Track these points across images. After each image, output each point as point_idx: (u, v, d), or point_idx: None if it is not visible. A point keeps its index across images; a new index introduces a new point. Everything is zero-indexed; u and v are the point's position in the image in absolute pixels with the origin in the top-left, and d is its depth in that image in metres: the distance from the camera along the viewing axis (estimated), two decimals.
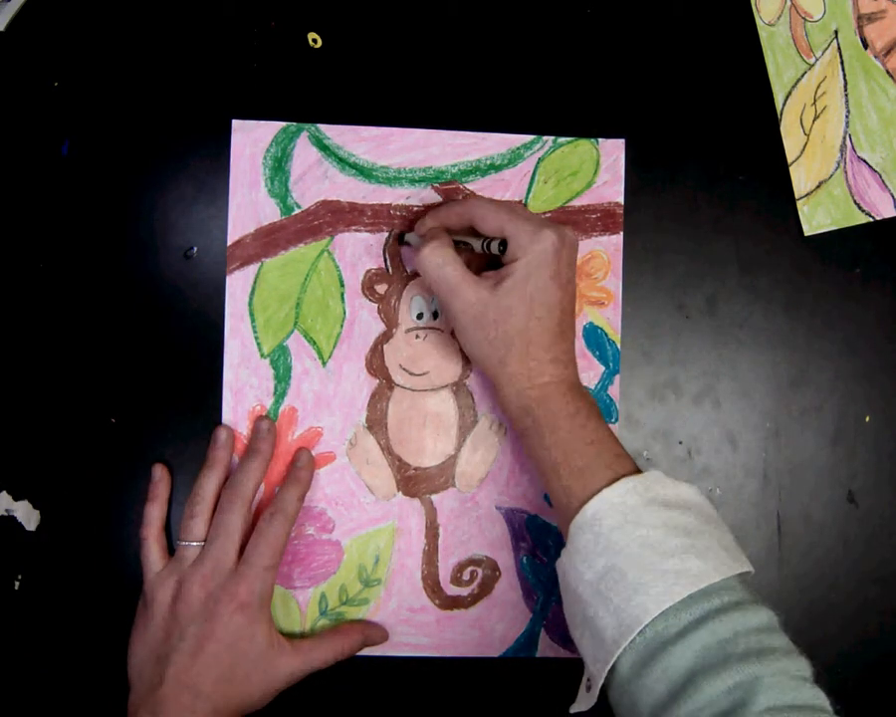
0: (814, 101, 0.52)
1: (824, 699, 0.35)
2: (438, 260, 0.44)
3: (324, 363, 0.50)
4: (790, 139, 0.52)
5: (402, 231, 0.50)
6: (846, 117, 0.52)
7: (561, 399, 0.43)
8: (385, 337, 0.51)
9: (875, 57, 0.52)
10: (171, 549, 0.49)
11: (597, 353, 0.51)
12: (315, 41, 0.51)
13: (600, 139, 0.52)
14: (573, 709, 0.41)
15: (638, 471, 0.42)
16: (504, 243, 0.43)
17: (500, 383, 0.44)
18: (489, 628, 0.51)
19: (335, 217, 0.51)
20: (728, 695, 0.34)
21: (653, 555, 0.38)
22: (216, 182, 0.50)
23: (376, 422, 0.51)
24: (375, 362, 0.51)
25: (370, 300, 0.51)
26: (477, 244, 0.45)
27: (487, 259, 0.47)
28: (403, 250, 0.51)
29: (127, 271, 0.50)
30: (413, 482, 0.51)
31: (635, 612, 0.37)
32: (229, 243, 0.50)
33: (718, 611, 0.36)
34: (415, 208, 0.51)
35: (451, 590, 0.51)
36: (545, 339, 0.43)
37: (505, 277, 0.43)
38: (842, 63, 0.52)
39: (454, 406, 0.51)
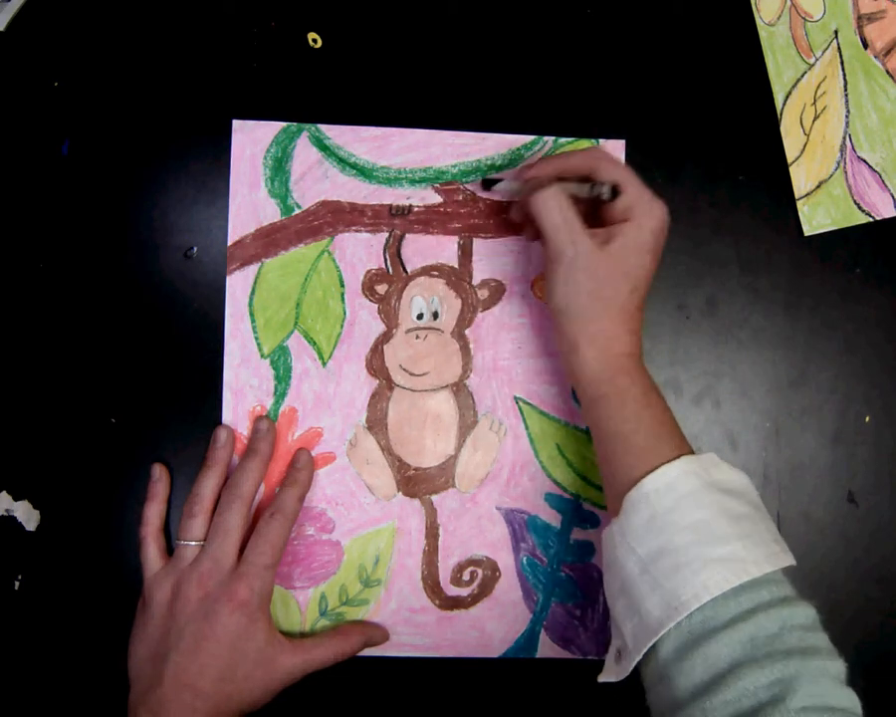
0: (814, 101, 0.52)
1: (857, 703, 0.36)
2: (560, 203, 0.43)
3: (324, 364, 0.50)
4: (790, 139, 0.52)
5: (487, 178, 0.49)
6: (846, 117, 0.52)
7: (640, 373, 0.43)
8: (385, 337, 0.51)
9: (875, 57, 0.52)
10: (171, 549, 0.49)
11: None
12: (315, 41, 0.51)
13: (600, 140, 0.52)
14: (602, 678, 0.42)
15: (693, 452, 0.42)
16: (615, 190, 0.43)
17: (582, 343, 0.43)
18: (489, 629, 0.51)
19: (335, 217, 0.51)
20: (768, 689, 0.34)
21: (706, 540, 0.38)
22: (216, 182, 0.50)
23: (376, 423, 0.51)
24: (375, 363, 0.51)
25: (370, 300, 0.51)
26: (585, 188, 0.44)
27: (588, 213, 0.46)
28: (492, 194, 0.50)
29: (127, 271, 0.50)
30: (413, 482, 0.51)
31: (684, 597, 0.37)
32: (229, 243, 0.50)
33: (767, 605, 0.36)
34: (416, 208, 0.51)
35: (451, 590, 0.51)
36: (631, 308, 0.43)
37: (615, 236, 0.43)
38: (842, 63, 0.52)
39: (454, 406, 0.51)
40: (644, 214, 0.43)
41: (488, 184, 0.49)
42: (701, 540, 0.38)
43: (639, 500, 0.40)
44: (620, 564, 0.40)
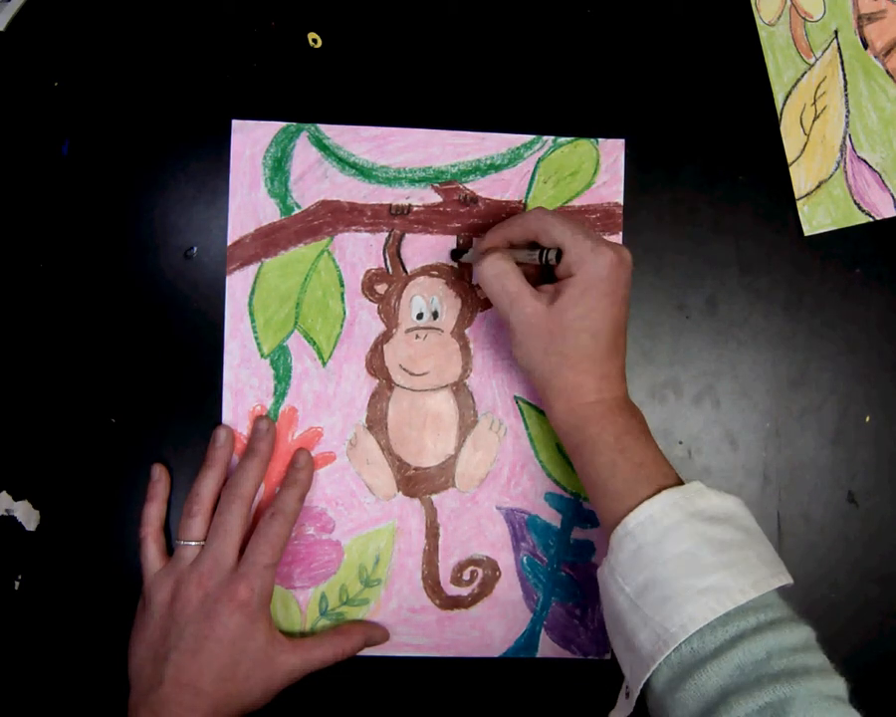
0: (814, 101, 0.52)
1: None
2: (497, 271, 0.44)
3: (324, 364, 0.50)
4: (790, 139, 0.52)
5: (456, 247, 0.51)
6: (846, 116, 0.52)
7: (611, 418, 0.43)
8: (385, 337, 0.51)
9: (875, 57, 0.52)
10: (171, 549, 0.49)
11: None
12: (315, 41, 0.51)
13: (600, 139, 0.52)
14: (613, 715, 0.42)
15: (681, 483, 0.42)
16: (559, 253, 0.43)
17: (550, 398, 0.44)
18: (489, 628, 0.51)
19: (334, 217, 0.51)
20: (759, 715, 0.34)
21: (692, 571, 0.38)
22: (216, 182, 0.50)
23: (376, 422, 0.51)
24: (375, 363, 0.51)
25: (370, 300, 0.51)
26: (534, 255, 0.45)
27: (543, 274, 0.47)
28: (460, 265, 0.51)
29: (127, 271, 0.50)
30: (413, 482, 0.51)
31: (672, 629, 0.37)
32: (229, 243, 0.50)
33: (754, 631, 0.36)
34: (415, 208, 0.51)
35: (451, 590, 0.51)
36: (596, 355, 0.43)
37: (561, 291, 0.43)
38: (842, 63, 0.52)
39: (454, 406, 0.51)
40: (587, 264, 0.42)
41: (456, 255, 0.50)
42: (686, 571, 0.38)
43: (624, 536, 0.40)
44: (613, 601, 0.40)
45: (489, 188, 0.51)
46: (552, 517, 0.51)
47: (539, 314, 0.43)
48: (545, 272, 0.47)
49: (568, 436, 0.44)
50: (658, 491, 0.40)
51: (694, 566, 0.38)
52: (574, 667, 0.51)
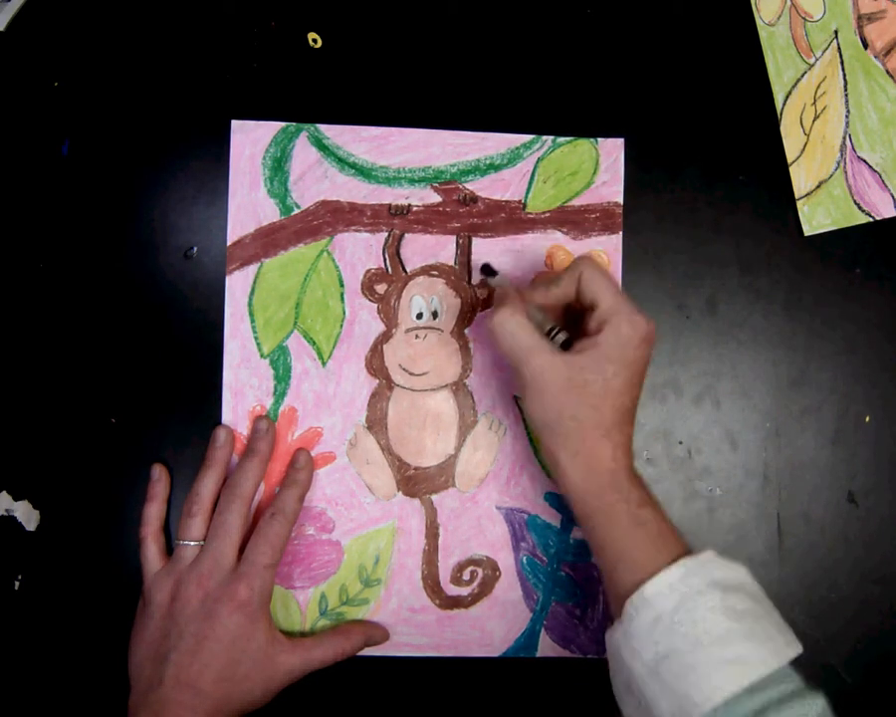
0: (814, 101, 0.52)
1: None
2: (510, 329, 0.43)
3: (323, 364, 0.50)
4: (790, 139, 0.52)
5: (490, 265, 0.48)
6: (846, 117, 0.52)
7: (628, 487, 0.42)
8: (385, 337, 0.51)
9: (875, 57, 0.52)
10: (171, 549, 0.49)
11: None
12: (315, 41, 0.51)
13: (600, 139, 0.52)
14: None
15: (691, 552, 0.42)
16: (569, 340, 0.43)
17: (563, 460, 0.43)
18: (489, 628, 0.51)
19: (334, 217, 0.51)
20: None
21: (712, 641, 0.38)
22: (216, 182, 0.50)
23: (376, 422, 0.51)
24: (375, 363, 0.51)
25: (370, 300, 0.51)
26: (545, 326, 0.44)
27: (568, 318, 0.46)
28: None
29: (127, 271, 0.50)
30: (413, 482, 0.51)
31: (695, 700, 0.37)
32: (229, 243, 0.50)
33: (778, 702, 0.36)
34: (415, 208, 0.51)
35: (451, 590, 0.51)
36: (613, 422, 0.42)
37: (585, 349, 0.42)
38: (842, 63, 0.52)
39: (454, 406, 0.51)
40: (622, 327, 0.42)
41: (487, 272, 0.48)
42: (707, 641, 0.38)
43: (641, 604, 0.40)
44: (627, 665, 0.40)
45: (488, 188, 0.51)
46: (551, 517, 0.51)
47: (555, 367, 0.42)
48: (569, 317, 0.46)
49: (583, 502, 0.43)
50: (674, 560, 0.40)
51: (714, 635, 0.38)
52: (574, 667, 0.51)
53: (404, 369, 0.51)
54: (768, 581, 0.52)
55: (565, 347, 0.43)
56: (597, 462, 0.42)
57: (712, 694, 0.37)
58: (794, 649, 0.39)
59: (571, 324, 0.45)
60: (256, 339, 0.50)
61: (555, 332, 0.44)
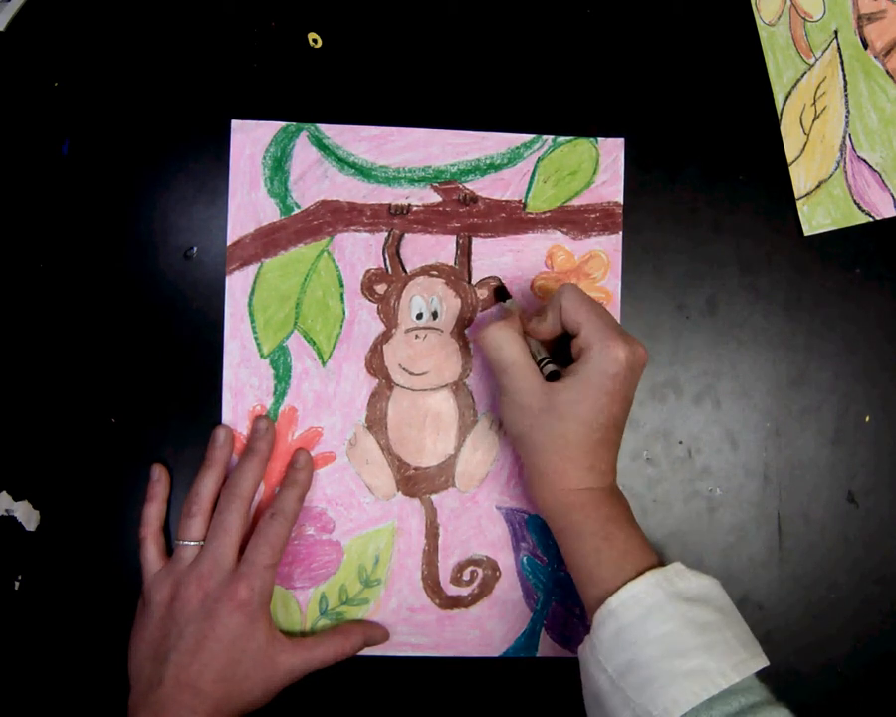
0: (814, 101, 0.52)
1: None
2: (498, 341, 0.44)
3: (323, 364, 0.50)
4: (790, 139, 0.52)
5: (503, 287, 0.50)
6: (846, 117, 0.52)
7: (595, 506, 0.43)
8: (385, 337, 0.51)
9: (875, 57, 0.52)
10: (171, 549, 0.49)
11: None
12: (315, 41, 0.51)
13: (600, 139, 0.52)
14: None
15: (662, 564, 0.42)
16: (556, 373, 0.44)
17: (532, 477, 0.44)
18: (489, 628, 0.51)
19: (334, 217, 0.51)
20: None
21: (674, 653, 0.38)
22: (216, 182, 0.50)
23: (376, 422, 0.51)
24: (375, 362, 0.51)
25: (370, 300, 0.51)
26: (537, 355, 0.45)
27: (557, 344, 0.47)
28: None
29: (127, 271, 0.50)
30: (413, 482, 0.51)
31: (655, 713, 0.37)
32: (229, 243, 0.50)
33: (736, 715, 0.36)
34: (415, 208, 0.51)
35: (451, 589, 0.51)
36: (585, 445, 0.42)
37: (565, 377, 0.43)
38: (842, 63, 0.52)
39: (454, 406, 0.51)
40: (594, 357, 0.42)
41: (501, 295, 0.50)
42: (668, 653, 0.38)
43: (607, 616, 0.40)
44: (593, 679, 0.40)
45: (488, 188, 0.51)
46: None
47: (532, 391, 0.43)
48: (558, 344, 0.47)
49: (551, 519, 0.44)
50: (640, 573, 0.40)
51: (675, 647, 0.38)
52: (574, 667, 0.51)
53: (404, 369, 0.51)
54: (768, 580, 0.52)
55: (552, 379, 0.44)
56: (562, 483, 0.43)
57: (671, 707, 0.37)
58: (759, 662, 0.39)
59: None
60: (256, 339, 0.50)
61: (544, 362, 0.45)
